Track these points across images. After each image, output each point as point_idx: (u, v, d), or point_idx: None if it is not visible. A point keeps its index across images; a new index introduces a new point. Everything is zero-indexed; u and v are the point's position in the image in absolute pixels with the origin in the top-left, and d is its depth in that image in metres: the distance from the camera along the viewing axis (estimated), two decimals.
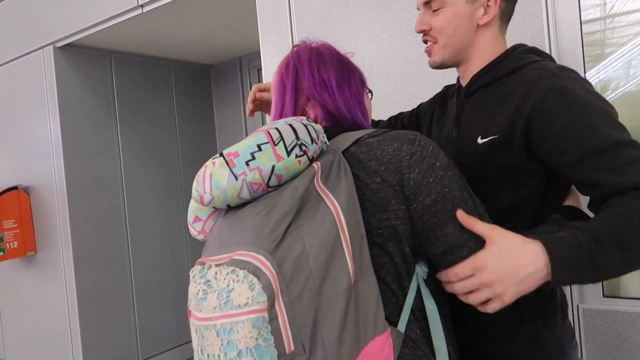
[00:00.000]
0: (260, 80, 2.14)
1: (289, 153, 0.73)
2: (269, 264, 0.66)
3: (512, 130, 0.87)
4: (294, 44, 1.04)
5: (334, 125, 0.89)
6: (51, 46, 3.01)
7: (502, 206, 0.89)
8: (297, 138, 0.75)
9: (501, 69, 0.95)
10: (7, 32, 3.32)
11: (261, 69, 2.08)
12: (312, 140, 0.76)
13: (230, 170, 0.72)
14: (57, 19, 2.97)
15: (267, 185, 0.74)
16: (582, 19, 1.49)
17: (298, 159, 0.74)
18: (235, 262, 0.67)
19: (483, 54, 0.98)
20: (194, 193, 0.76)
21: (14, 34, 3.29)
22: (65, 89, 3.01)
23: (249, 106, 1.29)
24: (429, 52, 1.00)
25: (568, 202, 0.94)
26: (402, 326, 0.78)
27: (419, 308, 0.81)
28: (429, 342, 0.80)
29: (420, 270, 0.82)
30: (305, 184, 0.73)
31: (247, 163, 0.72)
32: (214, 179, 0.73)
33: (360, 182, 0.78)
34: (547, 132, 0.84)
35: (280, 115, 0.92)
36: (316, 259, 0.68)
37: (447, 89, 1.16)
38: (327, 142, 0.82)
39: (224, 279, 0.67)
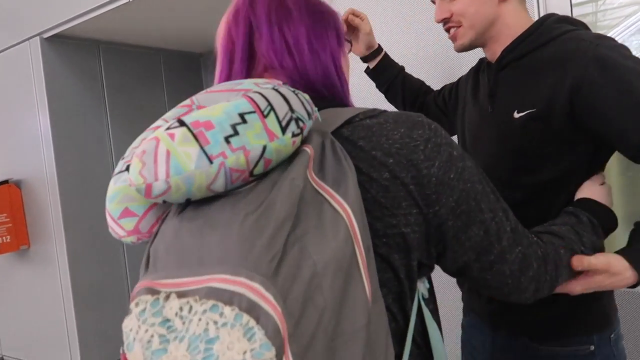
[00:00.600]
0: None
1: (283, 130, 0.53)
2: (271, 298, 0.43)
3: (552, 103, 0.86)
4: None
5: (312, 98, 0.66)
6: (38, 37, 2.96)
7: (543, 180, 0.89)
8: (291, 109, 0.54)
9: (534, 41, 0.94)
10: None
11: None
12: (308, 114, 0.57)
13: (202, 148, 0.49)
14: (44, 9, 2.91)
15: (251, 173, 0.52)
16: (573, 1, 1.49)
17: (294, 138, 0.54)
18: (215, 294, 0.44)
19: (509, 28, 0.97)
20: (136, 178, 0.51)
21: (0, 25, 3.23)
22: (54, 80, 2.96)
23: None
24: (454, 37, 1.00)
25: (583, 193, 0.90)
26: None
27: (419, 333, 0.66)
28: None
29: (423, 288, 0.67)
30: (304, 175, 0.53)
31: (227, 140, 0.50)
32: (173, 160, 0.49)
33: (363, 175, 0.59)
34: (593, 103, 0.83)
35: (243, 71, 0.70)
36: (332, 286, 0.48)
37: (481, 61, 1.15)
38: (320, 119, 0.63)
39: (199, 320, 0.43)
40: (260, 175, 0.54)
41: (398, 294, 0.62)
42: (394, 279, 0.61)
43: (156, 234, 0.57)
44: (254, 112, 0.51)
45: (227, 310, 0.43)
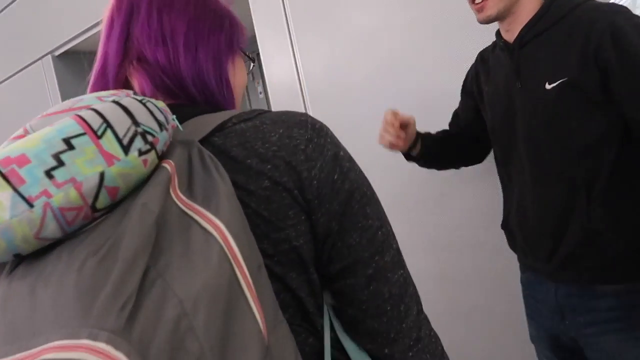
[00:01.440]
0: (261, 65, 2.12)
1: (126, 149, 0.43)
2: (122, 358, 0.34)
3: (582, 69, 0.92)
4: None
5: (180, 104, 0.60)
6: (49, 55, 3.03)
7: (578, 146, 0.95)
8: (135, 123, 0.45)
9: (553, 15, 0.99)
10: (6, 47, 3.34)
11: (259, 53, 2.07)
12: (160, 125, 0.48)
13: (15, 190, 0.39)
14: (52, 28, 2.98)
15: (93, 208, 0.42)
16: None
17: (143, 157, 0.45)
18: None
19: (529, 3, 1.03)
20: None
21: (12, 48, 3.30)
22: (69, 95, 3.03)
23: (391, 139, 1.15)
24: (481, 8, 1.03)
25: None
26: None
27: (336, 347, 0.58)
28: None
29: (331, 300, 0.59)
30: (160, 197, 0.44)
31: (48, 174, 0.40)
32: None
33: (240, 190, 0.52)
34: (613, 70, 0.89)
35: (103, 71, 0.63)
36: (207, 325, 0.39)
37: (482, 52, 1.21)
38: (181, 128, 0.55)
39: None
40: (109, 207, 0.44)
41: (305, 314, 0.56)
42: (293, 299, 0.55)
43: None
44: (83, 133, 0.42)
45: None
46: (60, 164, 0.40)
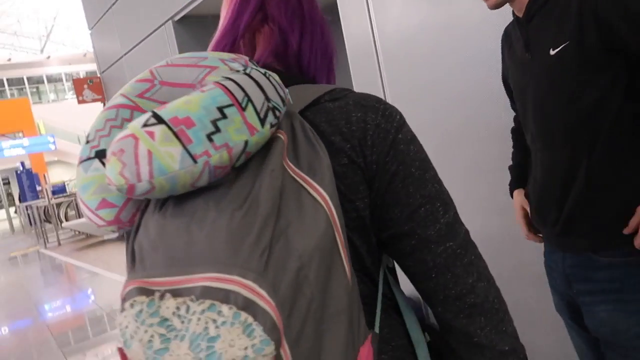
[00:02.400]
0: (340, 28, 2.19)
1: (262, 122, 0.52)
2: (264, 294, 0.44)
3: (582, 30, 0.94)
4: None
5: (287, 72, 0.68)
6: (170, 21, 3.29)
7: (583, 106, 0.97)
8: (267, 98, 0.54)
9: None
10: (137, 15, 3.69)
11: (339, 17, 2.10)
12: (282, 100, 0.56)
13: (184, 147, 0.48)
14: None
15: (232, 167, 0.52)
16: None
17: (272, 129, 0.54)
18: (210, 293, 0.44)
19: None
20: (116, 178, 0.49)
21: (141, 16, 3.65)
22: None
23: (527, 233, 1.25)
24: None
25: None
26: (377, 326, 0.64)
27: (388, 299, 0.68)
28: (402, 335, 0.67)
29: (385, 259, 0.69)
30: (281, 165, 0.53)
31: (209, 137, 0.49)
32: (156, 162, 0.48)
33: None
34: (612, 22, 0.91)
35: (231, 29, 0.70)
36: (317, 276, 0.49)
37: (506, 29, 1.25)
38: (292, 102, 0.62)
39: (198, 319, 0.44)
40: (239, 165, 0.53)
41: (362, 266, 0.65)
42: (356, 254, 0.63)
43: (137, 227, 0.55)
44: (232, 105, 0.51)
45: (225, 309, 0.43)
46: (217, 130, 0.49)
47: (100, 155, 0.56)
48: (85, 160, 0.57)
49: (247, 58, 0.61)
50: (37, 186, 14.92)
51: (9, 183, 19.99)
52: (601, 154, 0.97)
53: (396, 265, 0.70)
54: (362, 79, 2.09)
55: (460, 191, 1.76)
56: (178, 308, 0.45)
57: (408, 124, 0.66)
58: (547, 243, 1.18)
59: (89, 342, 3.92)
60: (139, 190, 0.49)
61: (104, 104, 5.96)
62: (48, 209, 10.57)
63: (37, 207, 10.77)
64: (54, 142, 17.34)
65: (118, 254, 7.16)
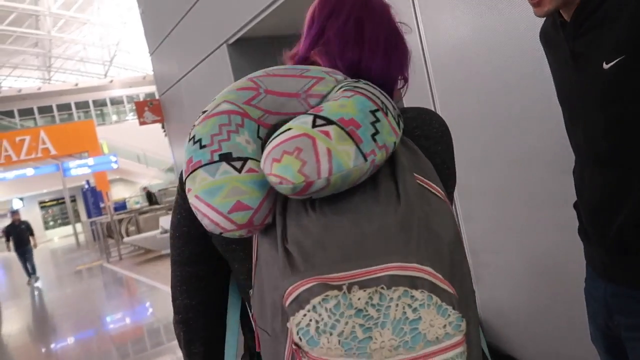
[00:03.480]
0: None
1: (399, 126, 0.59)
2: (441, 277, 0.49)
3: (636, 43, 0.86)
4: None
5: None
6: (225, 44, 3.43)
7: (635, 131, 0.89)
8: (393, 107, 0.60)
9: None
10: (194, 38, 3.88)
11: None
12: (394, 108, 0.62)
13: (357, 146, 0.52)
14: (225, 18, 3.36)
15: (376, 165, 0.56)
16: None
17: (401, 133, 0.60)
18: (397, 281, 0.48)
19: None
20: (294, 176, 0.51)
21: (199, 40, 3.83)
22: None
23: None
24: (538, 2, 1.02)
25: None
26: None
27: None
28: None
29: None
30: (408, 164, 0.59)
31: (373, 138, 0.54)
32: (335, 159, 0.51)
33: None
34: None
35: (295, 55, 0.77)
36: (460, 261, 0.55)
37: (543, 32, 1.17)
38: None
39: (396, 306, 0.47)
40: None
41: None
42: None
43: (284, 229, 0.54)
44: (378, 110, 0.56)
45: (417, 293, 0.47)
46: (377, 131, 0.54)
47: (227, 158, 0.55)
48: (207, 164, 0.55)
49: (340, 72, 0.66)
50: (100, 203, 15.69)
51: (75, 200, 21.17)
52: None
53: None
54: (411, 93, 2.09)
55: (524, 223, 1.72)
56: (371, 298, 0.47)
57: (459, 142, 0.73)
58: (590, 268, 1.10)
59: (147, 354, 4.06)
60: (315, 187, 0.51)
61: (163, 125, 6.22)
62: (110, 225, 11.08)
63: (101, 223, 11.30)
64: (116, 162, 18.21)
65: None
